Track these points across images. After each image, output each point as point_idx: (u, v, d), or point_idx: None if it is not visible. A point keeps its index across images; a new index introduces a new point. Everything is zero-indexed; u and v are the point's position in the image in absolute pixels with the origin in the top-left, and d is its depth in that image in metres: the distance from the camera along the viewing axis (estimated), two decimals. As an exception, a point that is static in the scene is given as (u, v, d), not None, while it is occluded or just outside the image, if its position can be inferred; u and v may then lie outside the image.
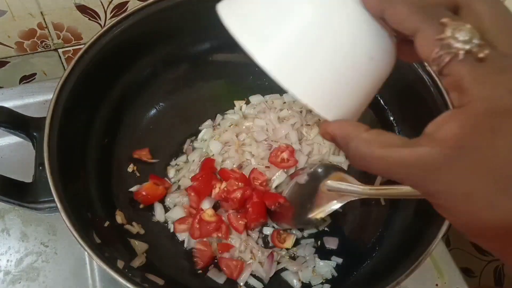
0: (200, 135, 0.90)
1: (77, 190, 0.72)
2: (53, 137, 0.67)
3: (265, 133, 0.87)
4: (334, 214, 0.83)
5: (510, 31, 0.35)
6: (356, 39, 0.40)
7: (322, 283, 0.77)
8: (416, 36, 0.36)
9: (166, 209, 0.82)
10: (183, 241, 0.79)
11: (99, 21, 1.01)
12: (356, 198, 0.70)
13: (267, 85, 0.94)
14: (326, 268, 0.78)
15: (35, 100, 0.96)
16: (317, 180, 0.72)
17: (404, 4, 0.36)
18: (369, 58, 0.41)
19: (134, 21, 0.80)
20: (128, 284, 0.59)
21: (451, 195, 0.34)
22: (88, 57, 0.75)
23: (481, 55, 0.33)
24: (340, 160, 0.86)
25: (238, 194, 0.76)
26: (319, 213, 0.73)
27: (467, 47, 0.33)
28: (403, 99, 0.83)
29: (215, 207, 0.80)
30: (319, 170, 0.73)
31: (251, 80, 0.96)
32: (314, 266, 0.78)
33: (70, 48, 1.05)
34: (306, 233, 0.81)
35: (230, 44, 0.98)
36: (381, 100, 0.88)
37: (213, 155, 0.86)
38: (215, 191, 0.79)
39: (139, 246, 0.75)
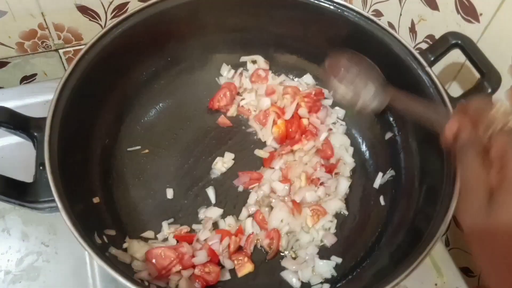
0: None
1: (78, 190, 0.73)
2: (53, 137, 0.67)
3: None
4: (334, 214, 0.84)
5: None
6: None
7: (321, 283, 0.77)
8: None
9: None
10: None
11: (100, 22, 1.01)
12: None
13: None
14: (326, 267, 0.78)
15: (36, 100, 0.96)
16: None
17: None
18: None
19: (135, 22, 0.80)
20: (128, 284, 0.59)
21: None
22: (88, 58, 0.75)
23: None
24: None
25: None
26: None
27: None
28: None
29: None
30: None
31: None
32: (314, 266, 0.78)
33: (71, 49, 1.06)
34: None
35: (230, 44, 0.99)
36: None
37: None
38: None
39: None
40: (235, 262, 0.78)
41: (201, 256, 0.75)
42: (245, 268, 0.77)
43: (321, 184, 0.85)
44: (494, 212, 0.44)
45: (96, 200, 0.76)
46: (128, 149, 0.88)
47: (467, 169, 0.49)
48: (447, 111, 0.71)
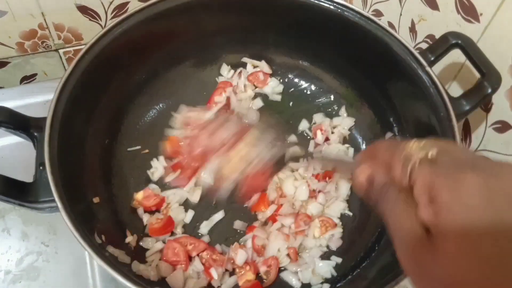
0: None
1: (78, 190, 0.73)
2: (53, 137, 0.67)
3: None
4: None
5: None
6: None
7: (321, 283, 0.77)
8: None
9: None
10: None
11: (100, 22, 1.01)
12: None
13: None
14: (326, 268, 0.78)
15: (36, 100, 0.96)
16: None
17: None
18: None
19: (135, 22, 0.80)
20: (128, 284, 0.59)
21: None
22: (88, 58, 0.75)
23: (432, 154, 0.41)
24: None
25: None
26: None
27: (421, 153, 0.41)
28: (403, 99, 0.83)
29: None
30: None
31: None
32: (314, 267, 0.78)
33: (71, 49, 1.06)
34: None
35: (230, 44, 0.99)
36: (381, 101, 0.88)
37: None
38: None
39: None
40: (237, 270, 0.78)
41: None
42: (246, 276, 0.77)
43: (320, 191, 0.85)
44: (438, 251, 0.37)
45: (96, 200, 0.76)
46: (128, 149, 0.88)
47: (392, 211, 0.42)
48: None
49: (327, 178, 0.87)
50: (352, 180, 0.51)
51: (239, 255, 0.77)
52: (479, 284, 0.35)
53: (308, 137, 0.93)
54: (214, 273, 0.75)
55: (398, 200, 0.42)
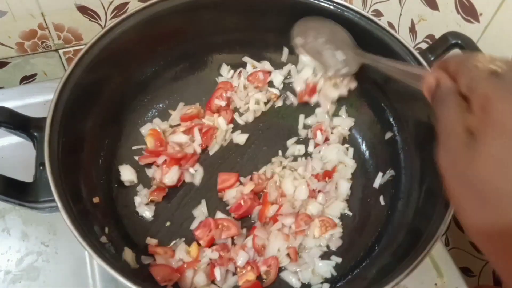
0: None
1: (78, 190, 0.73)
2: (53, 137, 0.67)
3: None
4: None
5: None
6: None
7: (321, 283, 0.77)
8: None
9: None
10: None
11: (100, 22, 1.01)
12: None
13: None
14: (326, 268, 0.78)
15: (36, 101, 0.96)
16: None
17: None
18: None
19: (135, 22, 0.80)
20: (128, 283, 0.59)
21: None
22: (88, 58, 0.75)
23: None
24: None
25: None
26: None
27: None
28: (402, 99, 0.83)
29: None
30: None
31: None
32: (314, 267, 0.78)
33: (71, 49, 1.06)
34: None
35: (230, 44, 0.99)
36: (381, 101, 0.88)
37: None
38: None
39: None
40: (238, 270, 0.78)
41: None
42: (247, 276, 0.77)
43: (319, 191, 0.85)
44: (478, 154, 0.39)
45: (96, 200, 0.76)
46: (133, 147, 0.88)
47: (445, 110, 0.45)
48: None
49: (326, 178, 0.87)
50: (422, 83, 0.53)
51: (241, 256, 0.77)
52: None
53: (308, 137, 0.93)
54: (218, 273, 0.75)
55: (453, 102, 0.45)
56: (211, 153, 0.90)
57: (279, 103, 0.97)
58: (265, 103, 0.96)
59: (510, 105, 0.38)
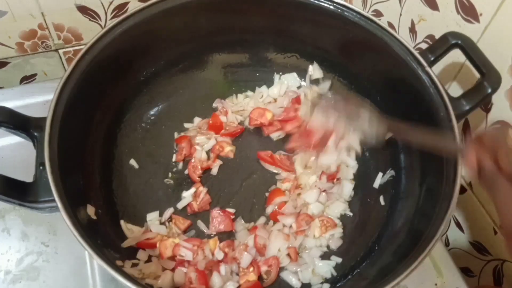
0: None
1: (78, 190, 0.73)
2: (53, 137, 0.67)
3: None
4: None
5: None
6: None
7: (321, 283, 0.77)
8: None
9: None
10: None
11: (100, 22, 1.01)
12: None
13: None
14: (326, 268, 0.78)
15: (36, 100, 0.96)
16: None
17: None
18: None
19: (135, 22, 0.80)
20: (128, 283, 0.59)
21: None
22: (88, 58, 0.75)
23: None
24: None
25: None
26: None
27: None
28: (402, 99, 0.83)
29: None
30: None
31: (250, 78, 0.98)
32: (314, 267, 0.78)
33: (71, 49, 1.06)
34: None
35: (230, 45, 0.98)
36: (381, 101, 0.88)
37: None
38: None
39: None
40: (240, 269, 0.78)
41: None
42: (248, 276, 0.77)
43: (324, 191, 0.85)
44: None
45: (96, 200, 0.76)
46: (128, 149, 0.88)
47: (502, 201, 0.51)
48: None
49: (334, 180, 0.87)
50: (464, 160, 0.58)
51: (244, 258, 0.77)
52: None
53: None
54: (223, 270, 0.75)
55: (504, 187, 0.50)
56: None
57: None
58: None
59: None
